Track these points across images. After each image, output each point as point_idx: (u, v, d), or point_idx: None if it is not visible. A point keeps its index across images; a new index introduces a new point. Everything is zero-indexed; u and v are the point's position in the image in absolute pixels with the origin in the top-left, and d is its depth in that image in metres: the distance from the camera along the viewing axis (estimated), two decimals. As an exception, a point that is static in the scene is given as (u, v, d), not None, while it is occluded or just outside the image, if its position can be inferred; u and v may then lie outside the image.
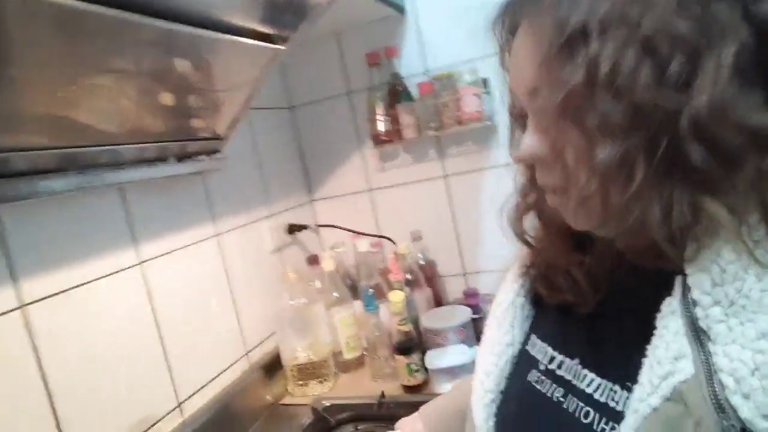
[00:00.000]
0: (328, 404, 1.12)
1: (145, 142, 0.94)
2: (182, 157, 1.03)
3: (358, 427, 1.02)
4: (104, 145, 0.86)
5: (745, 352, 0.33)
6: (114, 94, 0.80)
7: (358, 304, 1.27)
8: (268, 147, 1.40)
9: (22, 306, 0.76)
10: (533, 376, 0.51)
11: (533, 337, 0.54)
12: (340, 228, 1.45)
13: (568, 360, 0.48)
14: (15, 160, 0.73)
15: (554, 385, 0.48)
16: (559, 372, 0.48)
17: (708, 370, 0.34)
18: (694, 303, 0.37)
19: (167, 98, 0.92)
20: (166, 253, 1.03)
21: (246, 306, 1.22)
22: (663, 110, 0.36)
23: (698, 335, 0.36)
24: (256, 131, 1.36)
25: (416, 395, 1.10)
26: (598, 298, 0.47)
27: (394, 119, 1.35)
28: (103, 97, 0.79)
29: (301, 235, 1.46)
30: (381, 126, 1.36)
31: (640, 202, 0.37)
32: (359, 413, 1.06)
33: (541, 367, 0.51)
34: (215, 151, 1.12)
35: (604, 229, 0.44)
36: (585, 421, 0.43)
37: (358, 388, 1.17)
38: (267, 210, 1.36)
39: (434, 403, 0.78)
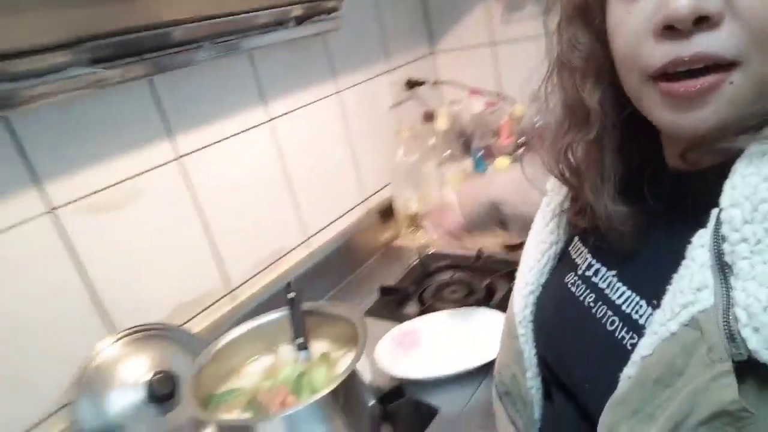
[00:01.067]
0: (431, 251, 1.25)
1: (271, 7, 1.00)
2: (302, 20, 1.08)
3: (454, 276, 1.15)
4: (241, 13, 0.95)
5: (762, 289, 0.34)
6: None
7: (468, 163, 1.32)
8: (389, -2, 1.38)
9: (177, 158, 0.94)
10: (570, 278, 0.54)
11: (576, 238, 0.56)
12: (457, 84, 1.44)
13: (604, 269, 0.50)
14: (176, 33, 0.86)
15: (588, 290, 0.51)
16: (594, 279, 0.51)
17: (726, 302, 0.36)
18: (724, 238, 0.37)
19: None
20: (292, 111, 1.15)
21: (364, 158, 1.33)
22: None
23: (723, 269, 0.37)
24: (378, -19, 1.34)
25: (514, 253, 1.18)
26: (624, 234, 0.48)
27: (522, -35, 1.23)
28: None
29: (420, 90, 1.48)
30: (508, -27, 1.25)
31: None
32: (457, 263, 1.18)
33: (579, 272, 0.53)
34: (334, 10, 1.15)
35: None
36: (609, 328, 0.46)
37: (461, 243, 1.28)
38: (386, 65, 1.39)
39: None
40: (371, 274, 1.24)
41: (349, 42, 1.27)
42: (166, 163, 0.93)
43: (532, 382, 0.57)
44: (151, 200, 0.91)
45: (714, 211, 0.38)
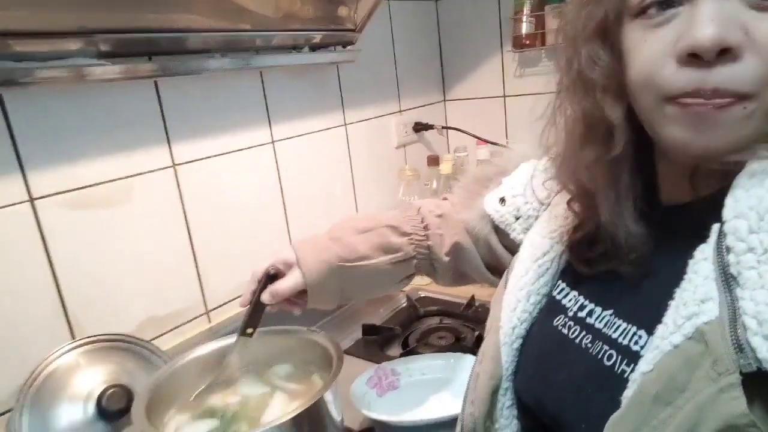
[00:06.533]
0: (422, 295, 1.21)
1: (292, 30, 1.01)
2: (317, 47, 1.09)
3: (443, 321, 1.09)
4: (258, 31, 0.95)
5: None
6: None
7: (469, 210, 1.30)
8: (407, 41, 1.40)
9: (172, 165, 0.92)
10: (560, 321, 0.51)
11: (562, 284, 0.54)
12: (464, 132, 1.43)
13: (599, 309, 0.48)
14: (188, 39, 0.86)
15: (583, 331, 0.48)
16: (589, 320, 0.48)
17: (733, 313, 0.35)
18: (728, 249, 0.37)
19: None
20: (296, 136, 1.13)
21: (364, 193, 1.31)
22: None
23: (727, 280, 0.37)
24: (398, 25, 1.36)
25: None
26: (640, 257, 0.46)
27: (539, 22, 1.25)
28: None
29: (428, 134, 1.48)
30: (524, 27, 1.27)
31: None
32: (447, 310, 1.13)
33: (570, 314, 0.50)
34: (350, 43, 1.16)
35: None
36: (607, 363, 0.44)
37: (453, 288, 1.23)
38: (397, 105, 1.40)
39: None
40: (356, 312, 1.18)
41: (362, 77, 1.27)
42: (159, 169, 0.90)
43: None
44: (138, 205, 0.88)
45: (715, 226, 0.39)
